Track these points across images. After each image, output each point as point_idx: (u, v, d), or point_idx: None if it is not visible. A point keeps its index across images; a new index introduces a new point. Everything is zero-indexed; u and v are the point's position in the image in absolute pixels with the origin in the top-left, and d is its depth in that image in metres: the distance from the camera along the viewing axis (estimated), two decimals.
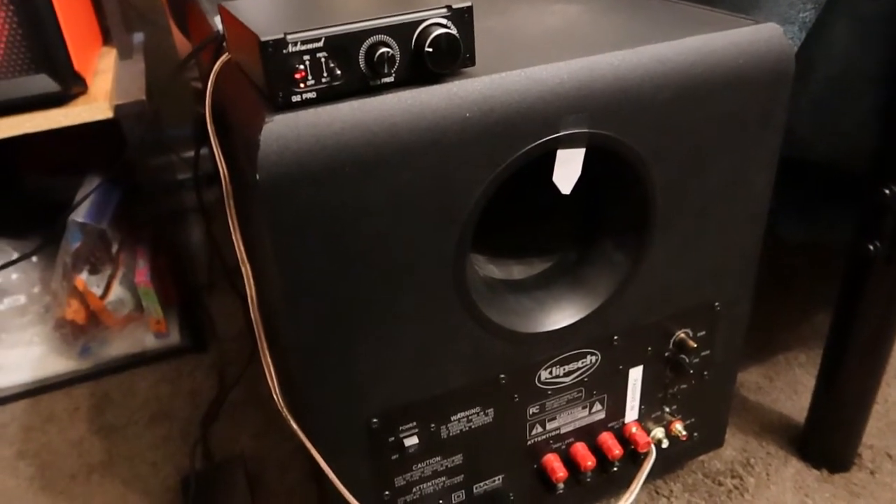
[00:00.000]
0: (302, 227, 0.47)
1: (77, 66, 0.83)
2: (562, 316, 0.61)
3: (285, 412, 0.55)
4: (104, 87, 0.90)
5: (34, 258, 1.08)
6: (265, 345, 0.56)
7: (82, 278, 0.99)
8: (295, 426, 0.55)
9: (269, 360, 0.56)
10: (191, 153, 1.13)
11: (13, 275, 1.05)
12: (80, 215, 0.93)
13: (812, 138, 0.70)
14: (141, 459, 0.90)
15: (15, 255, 1.07)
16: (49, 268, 1.05)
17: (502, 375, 0.60)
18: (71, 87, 0.83)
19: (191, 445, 0.89)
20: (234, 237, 0.56)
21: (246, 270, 0.56)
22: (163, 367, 1.06)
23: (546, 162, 0.53)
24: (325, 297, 0.50)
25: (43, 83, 0.81)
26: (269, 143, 0.44)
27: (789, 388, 0.93)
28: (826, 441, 0.81)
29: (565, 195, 0.58)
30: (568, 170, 0.53)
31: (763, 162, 0.61)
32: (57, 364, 1.04)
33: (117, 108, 0.87)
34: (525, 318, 0.59)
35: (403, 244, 0.50)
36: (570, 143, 0.52)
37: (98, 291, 1.02)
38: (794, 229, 0.83)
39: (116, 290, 1.04)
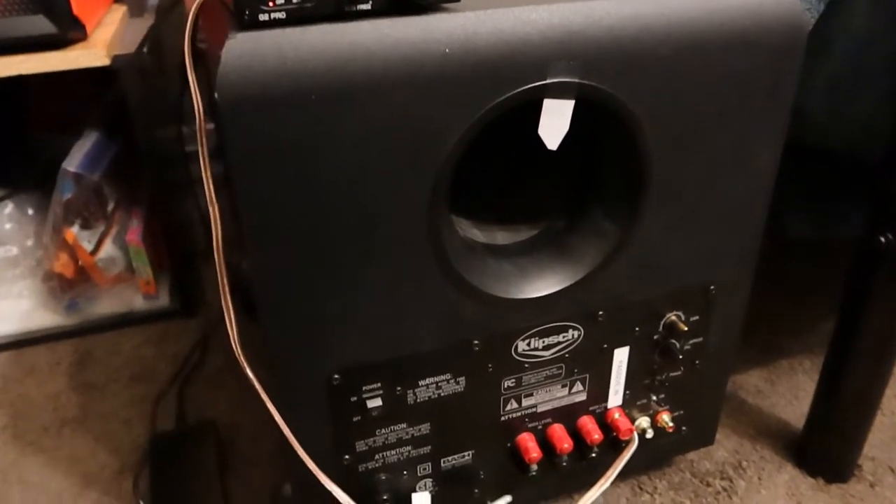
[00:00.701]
0: (265, 156, 0.45)
1: (77, 11, 0.82)
2: (543, 284, 0.57)
3: (242, 360, 0.53)
4: (105, 36, 0.88)
5: (30, 211, 1.07)
6: (227, 288, 0.53)
7: (73, 231, 0.98)
8: (251, 375, 0.52)
9: (230, 304, 0.53)
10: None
11: (7, 225, 1.04)
12: (72, 165, 0.92)
13: (826, 121, 0.66)
14: (115, 417, 0.88)
15: (10, 208, 1.07)
16: (44, 221, 1.04)
17: (476, 341, 0.57)
18: (68, 30, 0.81)
19: (154, 401, 0.88)
20: (203, 174, 0.53)
21: (213, 211, 0.54)
22: (149, 328, 1.04)
23: (534, 116, 0.50)
24: (288, 238, 0.48)
25: (40, 24, 0.79)
26: (231, 60, 0.42)
27: (790, 393, 0.89)
28: (824, 449, 0.77)
29: (556, 159, 0.55)
30: (555, 122, 0.50)
31: (768, 136, 0.57)
32: (43, 318, 1.03)
33: (115, 58, 0.86)
34: (503, 283, 0.56)
35: (374, 185, 0.48)
36: (558, 92, 0.49)
37: (89, 247, 1.00)
38: (800, 225, 0.79)
39: (108, 248, 1.03)
